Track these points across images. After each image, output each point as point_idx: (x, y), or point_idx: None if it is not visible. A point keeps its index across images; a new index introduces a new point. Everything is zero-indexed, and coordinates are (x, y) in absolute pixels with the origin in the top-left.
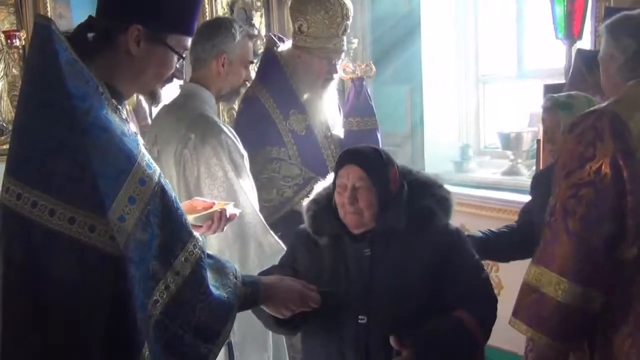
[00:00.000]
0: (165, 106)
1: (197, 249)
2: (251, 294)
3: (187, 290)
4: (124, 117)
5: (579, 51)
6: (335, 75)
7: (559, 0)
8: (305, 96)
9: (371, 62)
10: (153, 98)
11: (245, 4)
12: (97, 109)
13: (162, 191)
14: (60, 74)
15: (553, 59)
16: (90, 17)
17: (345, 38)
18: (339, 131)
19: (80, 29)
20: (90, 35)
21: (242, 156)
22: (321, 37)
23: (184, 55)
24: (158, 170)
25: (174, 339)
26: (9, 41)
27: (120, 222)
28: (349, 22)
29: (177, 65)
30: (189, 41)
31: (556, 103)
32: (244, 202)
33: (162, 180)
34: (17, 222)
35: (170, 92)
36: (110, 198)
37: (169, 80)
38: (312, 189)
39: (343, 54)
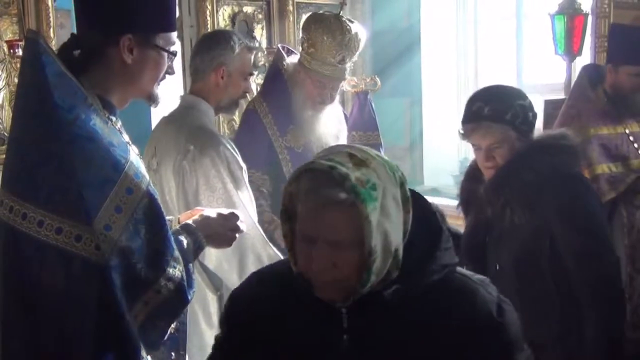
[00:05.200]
0: (164, 118)
1: (184, 256)
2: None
3: (176, 296)
4: (116, 128)
5: (585, 67)
6: (327, 101)
7: (559, 17)
8: (305, 112)
9: (376, 76)
10: (152, 100)
11: (246, 17)
12: (83, 120)
13: (150, 199)
14: (48, 86)
15: (552, 75)
16: (73, 35)
17: (345, 69)
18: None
19: (64, 48)
20: (76, 52)
21: (241, 168)
22: (317, 60)
23: (174, 52)
24: (147, 179)
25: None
26: (11, 51)
27: (106, 232)
28: (352, 55)
29: (169, 62)
30: (174, 36)
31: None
32: (242, 215)
33: (150, 189)
34: (10, 234)
35: (167, 103)
36: (95, 207)
37: (163, 78)
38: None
39: (343, 84)
